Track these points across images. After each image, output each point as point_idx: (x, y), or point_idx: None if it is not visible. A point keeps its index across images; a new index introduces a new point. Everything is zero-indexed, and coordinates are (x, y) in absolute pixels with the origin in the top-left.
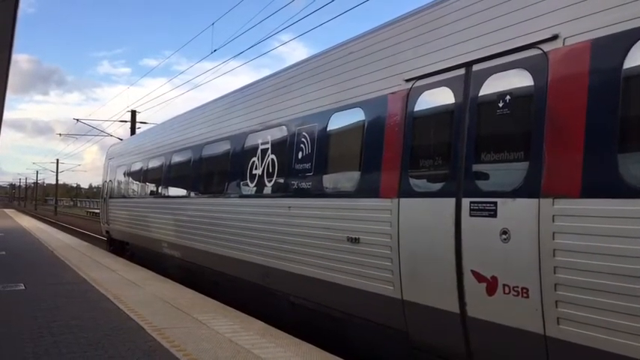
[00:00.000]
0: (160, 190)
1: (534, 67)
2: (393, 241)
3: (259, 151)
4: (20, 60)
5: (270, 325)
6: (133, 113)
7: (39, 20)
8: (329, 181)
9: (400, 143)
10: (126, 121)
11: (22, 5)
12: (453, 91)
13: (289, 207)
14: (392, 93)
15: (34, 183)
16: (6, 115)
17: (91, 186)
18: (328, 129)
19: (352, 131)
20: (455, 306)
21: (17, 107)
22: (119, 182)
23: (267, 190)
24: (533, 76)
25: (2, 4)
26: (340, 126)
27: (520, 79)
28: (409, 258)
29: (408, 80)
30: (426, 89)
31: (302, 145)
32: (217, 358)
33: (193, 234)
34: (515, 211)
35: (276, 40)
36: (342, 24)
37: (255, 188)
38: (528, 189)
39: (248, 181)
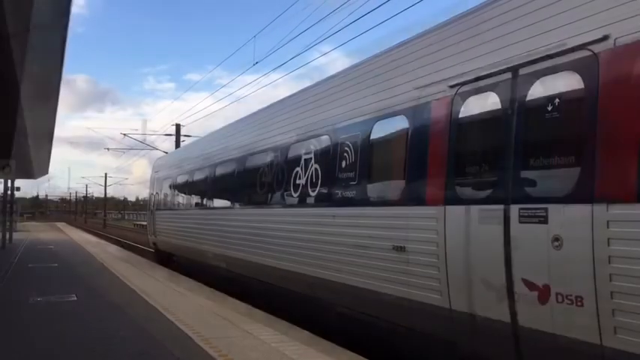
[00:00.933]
0: (204, 202)
1: (584, 68)
2: (440, 250)
3: (302, 160)
4: (78, 80)
5: (317, 335)
6: (178, 127)
7: (87, 39)
8: (373, 189)
9: (445, 150)
10: (171, 135)
11: (71, 24)
12: (499, 96)
13: (333, 216)
14: (436, 99)
15: (83, 197)
16: (61, 132)
17: (137, 199)
18: (371, 137)
19: (396, 139)
20: (505, 315)
21: (73, 125)
22: (165, 194)
23: (311, 199)
24: (583, 78)
25: (52, 24)
26: (383, 134)
27: (570, 82)
28: (457, 266)
29: (452, 86)
30: (471, 94)
31: (345, 154)
32: None
33: (238, 244)
34: (568, 217)
35: (316, 51)
36: (381, 32)
37: (298, 198)
38: (581, 194)
39: (292, 190)
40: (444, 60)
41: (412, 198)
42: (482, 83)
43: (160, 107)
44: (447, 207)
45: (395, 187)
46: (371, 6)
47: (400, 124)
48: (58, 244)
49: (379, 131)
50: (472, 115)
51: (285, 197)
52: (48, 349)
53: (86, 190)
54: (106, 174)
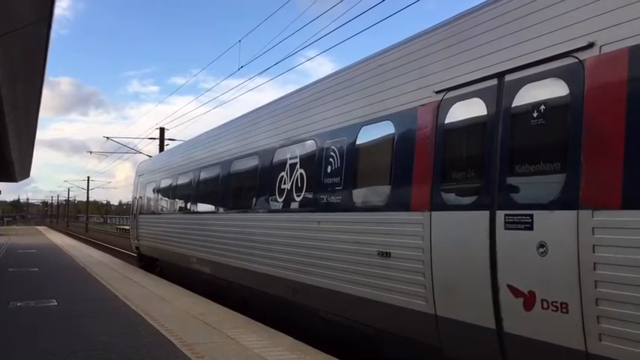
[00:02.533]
0: (188, 206)
1: (570, 75)
2: (426, 255)
3: (288, 165)
4: (63, 82)
5: (300, 341)
6: (162, 130)
7: (72, 42)
8: (359, 195)
9: (431, 156)
10: (155, 138)
11: (54, 27)
12: (485, 102)
13: (318, 221)
14: (422, 105)
15: (65, 200)
16: (44, 135)
17: (120, 203)
18: (357, 142)
19: (382, 144)
20: (491, 321)
21: (55, 127)
22: (149, 198)
23: (296, 204)
24: (569, 85)
25: (35, 26)
26: (369, 139)
27: (555, 89)
28: (442, 272)
29: (438, 92)
30: (457, 101)
31: (331, 159)
32: None
33: (222, 249)
34: (553, 223)
35: (301, 56)
36: (366, 38)
37: (283, 203)
38: (566, 201)
39: (277, 195)
40: (430, 66)
41: (397, 203)
42: (468, 89)
43: (144, 110)
44: (433, 213)
45: (381, 192)
46: (355, 12)
47: (386, 129)
48: (39, 248)
49: (365, 136)
50: (458, 121)
51: (270, 202)
52: (26, 354)
53: (68, 194)
54: (88, 177)
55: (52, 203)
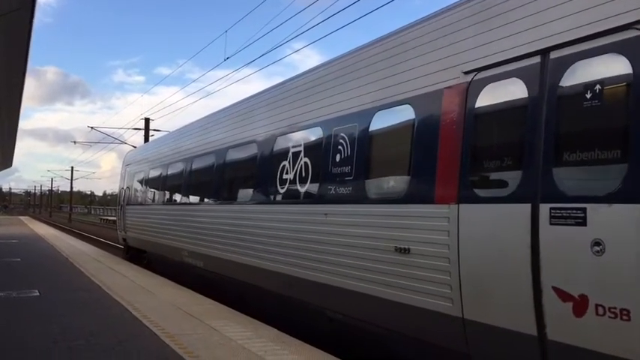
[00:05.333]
0: (180, 197)
1: (632, 50)
2: (452, 252)
3: (290, 154)
4: (48, 72)
5: (285, 333)
6: (147, 121)
7: (57, 30)
8: (372, 185)
9: (459, 143)
10: (140, 129)
11: (38, 15)
12: (525, 83)
13: (325, 214)
14: (448, 87)
15: (48, 190)
16: (28, 124)
17: (105, 193)
18: (371, 129)
19: (399, 131)
20: (532, 328)
21: (40, 117)
22: (137, 189)
23: (300, 196)
24: (631, 62)
25: (17, 13)
26: (385, 125)
27: (613, 66)
28: (472, 271)
29: (467, 72)
30: (490, 81)
31: (340, 147)
32: None
33: (217, 242)
34: (611, 218)
35: (288, 48)
36: (352, 32)
37: (285, 194)
38: (627, 193)
39: (278, 186)
40: (457, 44)
41: (418, 195)
42: (504, 69)
43: (129, 100)
44: (461, 205)
45: (397, 183)
46: (342, 4)
47: (405, 114)
48: (21, 239)
49: (380, 122)
50: (492, 104)
51: (271, 193)
52: (6, 345)
53: (51, 184)
54: (72, 167)
55: (35, 193)
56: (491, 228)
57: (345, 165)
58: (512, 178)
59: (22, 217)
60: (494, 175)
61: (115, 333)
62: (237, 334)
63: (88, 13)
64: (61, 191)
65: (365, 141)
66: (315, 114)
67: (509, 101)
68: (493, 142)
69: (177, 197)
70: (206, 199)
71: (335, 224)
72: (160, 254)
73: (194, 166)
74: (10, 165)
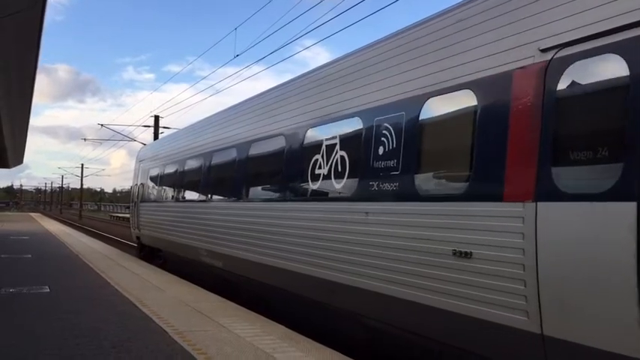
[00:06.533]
0: (198, 194)
1: None
2: (528, 258)
3: (324, 147)
4: (60, 70)
5: (294, 330)
6: (157, 118)
7: (68, 28)
8: (423, 181)
9: (536, 132)
10: (149, 126)
11: (50, 13)
12: (626, 59)
13: (366, 212)
14: (520, 68)
15: (59, 187)
16: (40, 122)
17: (114, 190)
18: (421, 118)
19: (457, 119)
20: (637, 350)
21: (52, 114)
22: (151, 185)
23: (336, 192)
24: None
25: (29, 10)
26: (439, 113)
27: None
28: (555, 281)
29: (545, 50)
30: (576, 59)
31: (384, 139)
32: None
33: (239, 242)
34: None
35: (298, 45)
36: (363, 29)
37: (318, 190)
38: None
39: (310, 182)
40: (532, 17)
41: (483, 192)
42: (595, 44)
43: (139, 98)
44: (540, 204)
45: (456, 178)
46: (353, 1)
47: (464, 100)
48: (32, 235)
49: (433, 110)
50: (580, 86)
51: (301, 189)
52: (17, 340)
53: (62, 181)
54: (82, 164)
55: (45, 190)
56: (582, 230)
57: (389, 158)
58: (611, 171)
59: (32, 214)
60: (584, 169)
61: (124, 329)
62: (245, 330)
63: (99, 10)
64: (72, 188)
65: (414, 131)
66: (353, 103)
67: (604, 81)
68: (583, 130)
69: (195, 194)
70: (226, 196)
71: (377, 224)
72: (176, 253)
73: (214, 161)
74: (22, 162)
